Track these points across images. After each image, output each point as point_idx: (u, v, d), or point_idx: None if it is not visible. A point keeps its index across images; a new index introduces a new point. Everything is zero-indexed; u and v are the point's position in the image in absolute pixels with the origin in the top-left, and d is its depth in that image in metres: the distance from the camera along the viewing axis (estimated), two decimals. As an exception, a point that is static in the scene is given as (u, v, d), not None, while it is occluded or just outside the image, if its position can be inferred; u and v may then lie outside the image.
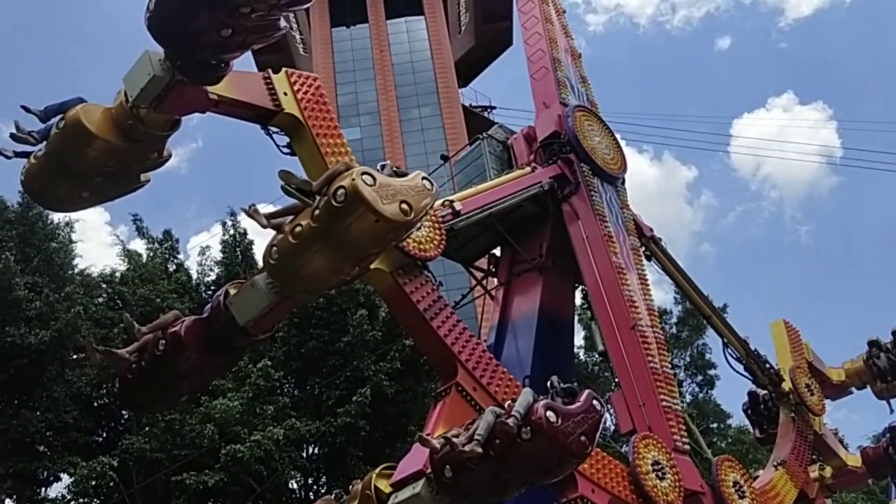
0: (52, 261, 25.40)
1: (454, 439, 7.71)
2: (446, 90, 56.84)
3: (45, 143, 8.26)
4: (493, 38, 63.28)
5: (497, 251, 15.43)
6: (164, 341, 8.55)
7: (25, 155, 8.37)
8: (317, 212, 7.21)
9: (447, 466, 7.82)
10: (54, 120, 8.23)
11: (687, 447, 11.72)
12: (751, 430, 37.84)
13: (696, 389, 40.79)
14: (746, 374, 15.71)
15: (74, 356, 23.14)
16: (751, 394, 15.82)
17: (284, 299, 8.31)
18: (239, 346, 8.92)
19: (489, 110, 59.87)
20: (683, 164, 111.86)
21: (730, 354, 15.68)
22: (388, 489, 8.73)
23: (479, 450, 7.53)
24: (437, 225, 10.50)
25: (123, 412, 25.62)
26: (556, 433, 7.59)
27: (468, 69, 63.52)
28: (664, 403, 11.78)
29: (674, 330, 40.25)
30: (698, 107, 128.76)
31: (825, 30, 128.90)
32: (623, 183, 15.09)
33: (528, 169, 14.03)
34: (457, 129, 53.69)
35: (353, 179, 7.07)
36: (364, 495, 9.08)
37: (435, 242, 10.27)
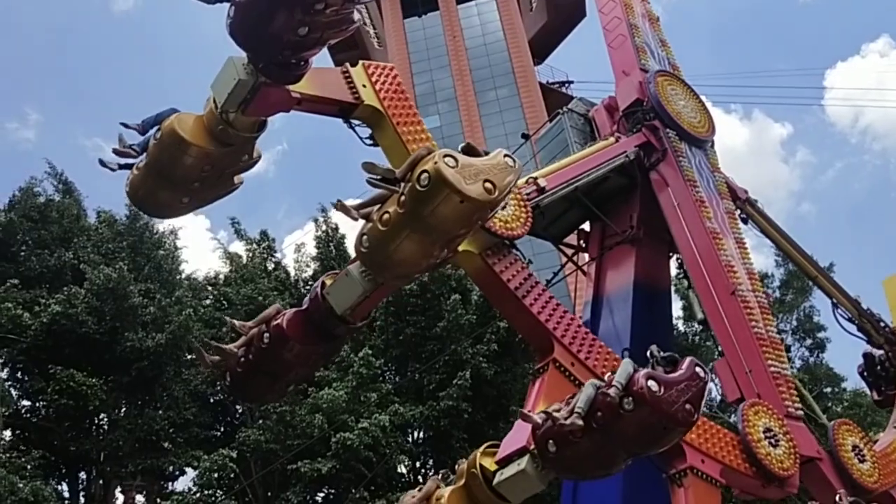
0: (161, 268, 26.85)
1: (555, 413, 7.71)
2: (522, 69, 56.38)
3: (144, 154, 8.76)
4: (565, 12, 62.26)
5: (586, 226, 15.30)
6: (268, 334, 8.94)
7: (128, 167, 8.90)
8: (403, 198, 7.34)
9: (550, 441, 7.83)
10: (151, 132, 8.70)
11: (800, 413, 11.29)
12: (868, 392, 36.10)
13: (806, 354, 39.20)
14: (860, 334, 14.98)
15: (189, 356, 24.45)
16: (866, 355, 14.98)
17: (378, 286, 8.54)
18: (338, 335, 9.23)
19: (567, 85, 59.09)
20: (776, 121, 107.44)
21: (840, 315, 14.95)
22: (493, 467, 8.81)
23: (580, 422, 7.51)
24: (522, 203, 10.45)
25: (238, 407, 26.85)
26: (659, 402, 7.45)
27: (542, 46, 62.76)
28: (772, 369, 11.39)
29: (777, 294, 38.76)
30: (787, 61, 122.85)
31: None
32: (713, 146, 14.67)
33: (611, 140, 13.80)
34: (535, 107, 53.21)
35: (436, 163, 7.16)
36: (470, 474, 9.17)
37: (521, 220, 10.20)
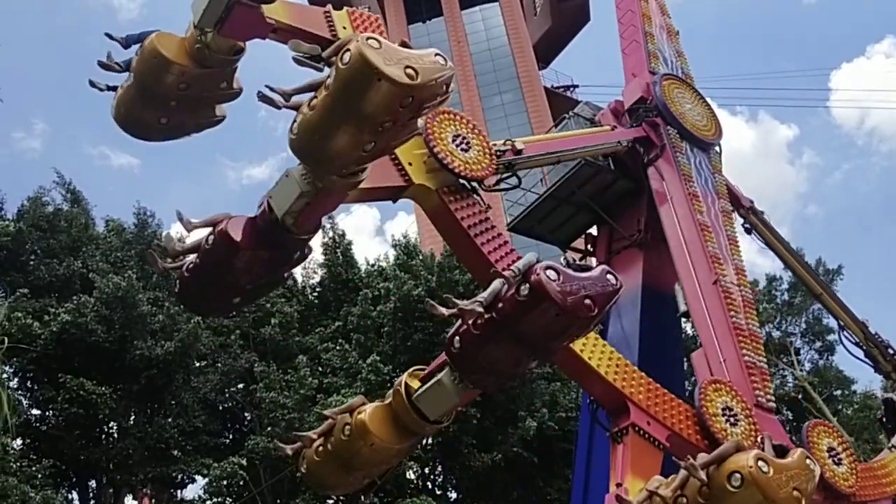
0: (170, 275, 26.84)
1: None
2: (526, 74, 56.45)
3: (129, 74, 8.81)
4: (569, 17, 62.37)
5: (593, 230, 15.33)
6: (212, 236, 8.79)
7: (114, 89, 8.98)
8: (329, 80, 7.27)
9: (455, 339, 7.92)
10: (135, 48, 8.79)
11: (772, 405, 11.11)
12: (877, 395, 35.82)
13: (816, 356, 38.99)
14: (867, 360, 14.71)
15: (198, 364, 24.50)
16: (887, 401, 14.03)
17: (319, 190, 8.26)
18: (285, 245, 8.89)
19: (572, 89, 59.12)
20: (782, 122, 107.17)
21: (847, 338, 14.70)
22: (416, 385, 9.03)
23: (480, 309, 7.53)
24: (487, 150, 10.43)
25: (247, 414, 26.88)
26: (553, 291, 7.33)
27: (547, 50, 62.85)
28: (747, 358, 11.29)
29: (785, 296, 38.62)
30: (792, 62, 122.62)
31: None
32: (719, 150, 14.67)
33: (607, 127, 13.88)
34: (540, 111, 53.27)
35: (358, 42, 7.08)
36: (394, 391, 9.34)
37: (483, 165, 10.22)
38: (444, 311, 7.78)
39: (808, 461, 7.74)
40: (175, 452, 24.73)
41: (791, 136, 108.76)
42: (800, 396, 35.69)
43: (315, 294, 30.07)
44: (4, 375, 22.21)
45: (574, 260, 8.16)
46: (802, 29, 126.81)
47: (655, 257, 13.43)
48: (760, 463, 7.30)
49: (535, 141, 12.33)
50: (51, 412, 24.45)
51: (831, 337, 38.56)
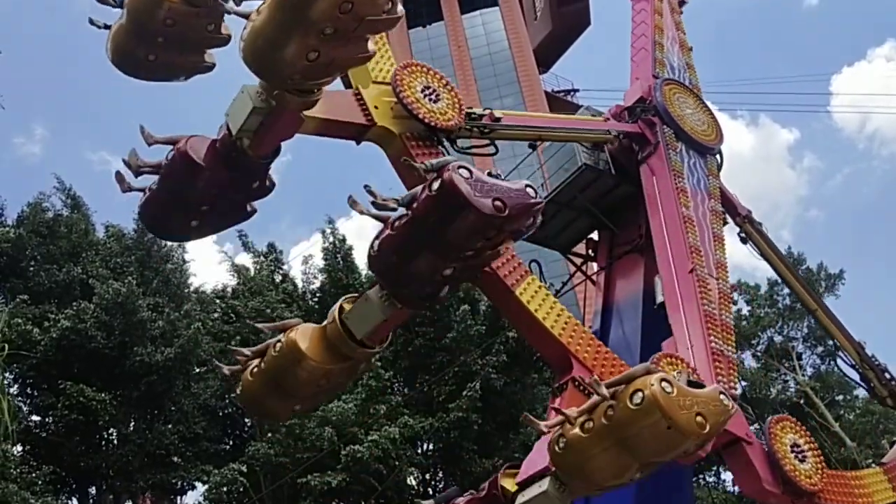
0: (170, 281, 26.88)
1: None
2: (527, 78, 56.44)
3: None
4: (570, 21, 62.40)
5: (595, 235, 15.28)
6: (173, 153, 8.79)
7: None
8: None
9: (375, 242, 7.84)
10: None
11: (735, 392, 10.80)
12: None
13: (818, 361, 38.95)
14: (862, 383, 14.45)
15: (198, 370, 24.42)
16: None
17: (273, 109, 8.30)
18: (243, 168, 8.88)
19: (573, 94, 59.15)
20: (783, 126, 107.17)
21: (842, 359, 14.49)
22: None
23: (394, 205, 7.51)
24: (457, 105, 10.48)
25: (247, 420, 26.80)
26: (463, 187, 7.19)
27: (548, 54, 62.87)
28: (714, 345, 11.12)
29: (787, 301, 38.56)
30: (792, 67, 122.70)
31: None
32: (720, 157, 14.63)
33: (600, 118, 13.87)
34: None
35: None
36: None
37: (449, 116, 10.27)
38: (363, 208, 7.67)
39: (721, 396, 7.40)
40: (175, 459, 24.67)
41: (792, 140, 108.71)
42: (802, 401, 35.59)
43: (315, 299, 29.99)
44: (5, 382, 22.23)
45: (500, 175, 7.87)
46: (803, 32, 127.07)
47: (657, 263, 13.37)
48: (664, 384, 7.06)
49: (515, 114, 12.37)
50: (51, 418, 24.38)
51: (833, 341, 38.49)
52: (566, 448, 7.49)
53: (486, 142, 11.27)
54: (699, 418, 7.09)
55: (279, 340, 9.14)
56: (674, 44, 15.82)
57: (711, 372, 10.79)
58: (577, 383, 9.42)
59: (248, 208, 9.38)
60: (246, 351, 9.47)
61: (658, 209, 12.73)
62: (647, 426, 7.07)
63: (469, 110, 10.85)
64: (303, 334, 8.96)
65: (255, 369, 9.32)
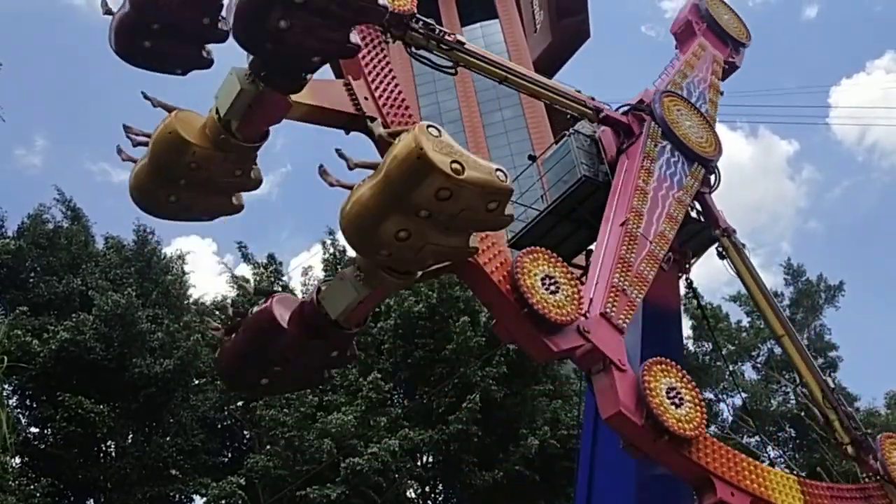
0: (169, 293, 26.86)
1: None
2: (527, 90, 56.64)
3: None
4: (569, 33, 62.71)
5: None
6: (258, 310, 8.79)
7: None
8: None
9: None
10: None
11: (622, 326, 10.44)
12: (882, 412, 35.40)
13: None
14: (818, 427, 13.69)
15: (197, 382, 24.36)
16: None
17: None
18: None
19: (572, 106, 59.28)
20: (782, 138, 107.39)
21: (803, 395, 13.89)
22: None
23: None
24: None
25: (246, 432, 26.72)
26: None
27: (547, 66, 63.03)
28: (615, 281, 11.00)
29: (787, 312, 38.55)
30: (791, 79, 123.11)
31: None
32: (717, 178, 14.66)
33: (585, 95, 14.46)
34: (541, 127, 53.39)
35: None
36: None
37: (402, 2, 10.74)
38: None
39: (498, 173, 7.03)
40: (173, 471, 24.59)
41: (791, 152, 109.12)
42: (802, 413, 35.46)
43: (315, 311, 30.01)
44: (4, 393, 22.18)
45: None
46: (803, 44, 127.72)
47: (657, 274, 13.37)
48: (431, 129, 6.89)
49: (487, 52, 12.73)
50: (49, 430, 24.33)
51: (833, 354, 38.50)
52: (352, 205, 7.21)
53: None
54: (455, 164, 6.86)
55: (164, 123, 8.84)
56: (702, 82, 16.02)
57: (603, 299, 10.58)
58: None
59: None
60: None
61: (619, 181, 12.98)
62: (401, 157, 6.90)
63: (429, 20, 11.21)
64: (182, 115, 8.65)
65: (144, 161, 8.95)
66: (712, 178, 14.53)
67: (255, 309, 8.93)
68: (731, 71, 17.48)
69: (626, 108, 14.67)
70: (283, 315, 8.59)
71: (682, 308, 15.96)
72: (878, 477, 10.85)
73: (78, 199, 28.88)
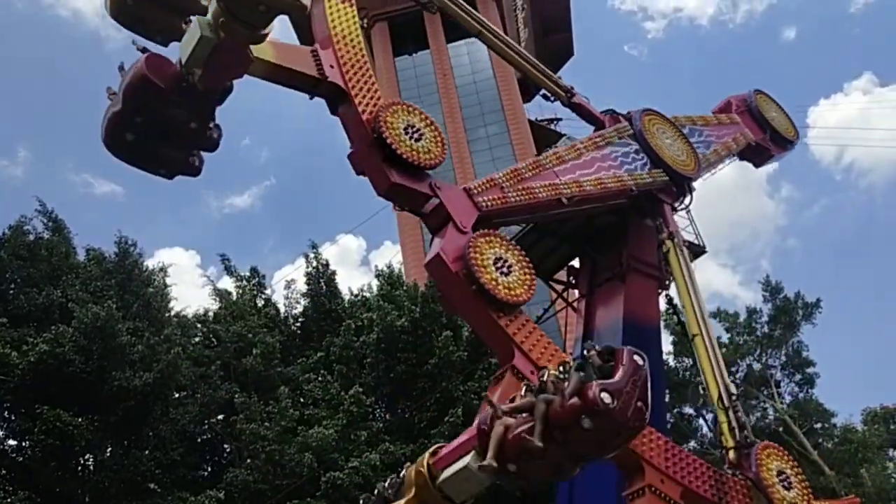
0: (150, 305, 26.66)
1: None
2: (511, 107, 57.06)
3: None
4: (553, 51, 63.29)
5: (576, 262, 15.47)
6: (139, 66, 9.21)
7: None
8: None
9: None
10: None
11: (482, 204, 11.06)
12: (858, 428, 35.75)
13: (796, 389, 39.21)
14: (714, 432, 13.92)
15: (177, 395, 24.17)
16: None
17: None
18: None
19: (556, 123, 59.74)
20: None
21: (704, 396, 14.14)
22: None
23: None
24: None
25: (226, 446, 26.51)
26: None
27: (531, 84, 63.57)
28: (496, 177, 11.81)
29: (766, 329, 38.92)
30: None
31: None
32: (690, 195, 14.95)
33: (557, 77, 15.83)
34: (525, 144, 53.73)
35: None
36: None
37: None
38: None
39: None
40: (152, 486, 24.29)
41: (770, 170, 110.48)
42: (780, 429, 35.75)
43: (298, 324, 29.91)
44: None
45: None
46: (781, 65, 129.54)
47: (637, 291, 13.57)
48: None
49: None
50: (27, 443, 23.99)
51: (811, 370, 38.89)
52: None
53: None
54: (639, 403, 7.45)
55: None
56: (712, 136, 16.70)
57: (476, 184, 11.36)
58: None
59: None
60: None
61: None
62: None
63: None
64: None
65: None
66: (688, 198, 14.77)
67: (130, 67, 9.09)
68: (764, 156, 18.15)
69: (606, 110, 15.07)
70: (151, 69, 8.88)
71: (663, 323, 16.14)
72: (751, 482, 10.73)
73: (60, 210, 28.63)
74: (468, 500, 9.05)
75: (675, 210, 14.50)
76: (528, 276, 10.17)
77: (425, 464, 9.09)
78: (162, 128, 8.96)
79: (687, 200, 14.75)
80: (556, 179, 12.49)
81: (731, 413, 11.58)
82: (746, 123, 17.75)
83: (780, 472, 10.65)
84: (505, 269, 9.99)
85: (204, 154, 9.92)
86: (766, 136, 17.92)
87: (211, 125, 9.29)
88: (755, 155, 18.03)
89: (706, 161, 15.62)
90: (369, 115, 10.16)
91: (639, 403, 7.60)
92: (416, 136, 10.36)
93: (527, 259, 10.45)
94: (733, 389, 12.00)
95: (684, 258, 13.81)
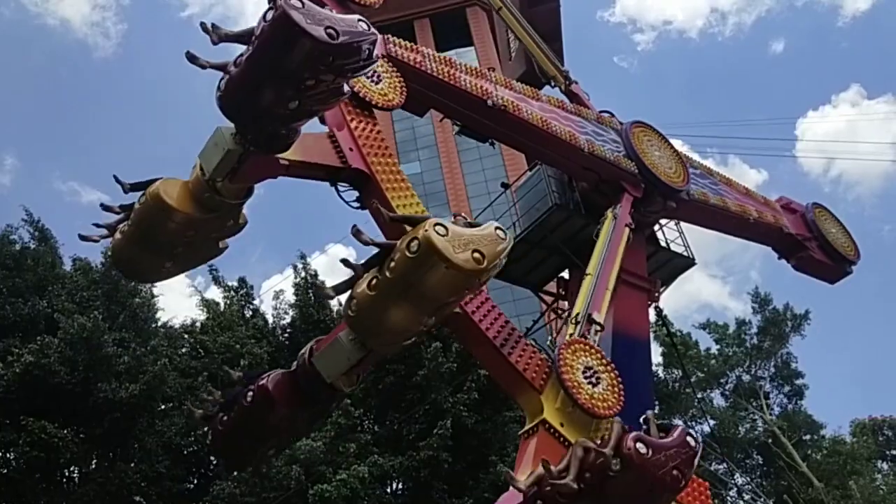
0: (137, 316, 26.45)
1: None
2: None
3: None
4: (543, 62, 63.47)
5: (565, 274, 15.42)
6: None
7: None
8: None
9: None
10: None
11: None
12: (847, 440, 35.86)
13: (785, 400, 39.31)
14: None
15: (163, 407, 23.93)
16: None
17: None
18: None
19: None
20: (751, 167, 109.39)
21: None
22: None
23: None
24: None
25: (212, 458, 26.24)
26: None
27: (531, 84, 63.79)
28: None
29: (755, 340, 39.03)
30: (760, 110, 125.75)
31: (889, 21, 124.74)
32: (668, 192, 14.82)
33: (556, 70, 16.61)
34: (515, 155, 53.74)
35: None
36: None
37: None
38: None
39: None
40: (137, 498, 24.07)
41: (760, 181, 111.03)
42: (769, 441, 35.78)
43: (286, 335, 29.72)
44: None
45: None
46: (770, 78, 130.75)
47: (627, 302, 13.48)
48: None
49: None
50: (12, 455, 23.72)
51: (800, 381, 39.02)
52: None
53: None
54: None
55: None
56: (735, 196, 16.36)
57: None
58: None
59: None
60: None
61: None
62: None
63: None
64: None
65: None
66: (670, 204, 14.69)
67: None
68: (803, 259, 17.37)
69: (604, 111, 15.12)
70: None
71: (653, 335, 16.09)
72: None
73: (47, 219, 28.43)
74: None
75: (653, 214, 14.37)
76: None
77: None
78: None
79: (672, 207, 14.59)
80: (492, 89, 12.45)
81: (580, 328, 10.91)
82: (791, 220, 17.08)
83: (587, 368, 10.03)
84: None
85: None
86: (811, 238, 17.12)
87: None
88: (789, 248, 17.19)
89: (701, 194, 15.24)
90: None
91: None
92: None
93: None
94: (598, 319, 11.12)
95: (617, 231, 12.99)
